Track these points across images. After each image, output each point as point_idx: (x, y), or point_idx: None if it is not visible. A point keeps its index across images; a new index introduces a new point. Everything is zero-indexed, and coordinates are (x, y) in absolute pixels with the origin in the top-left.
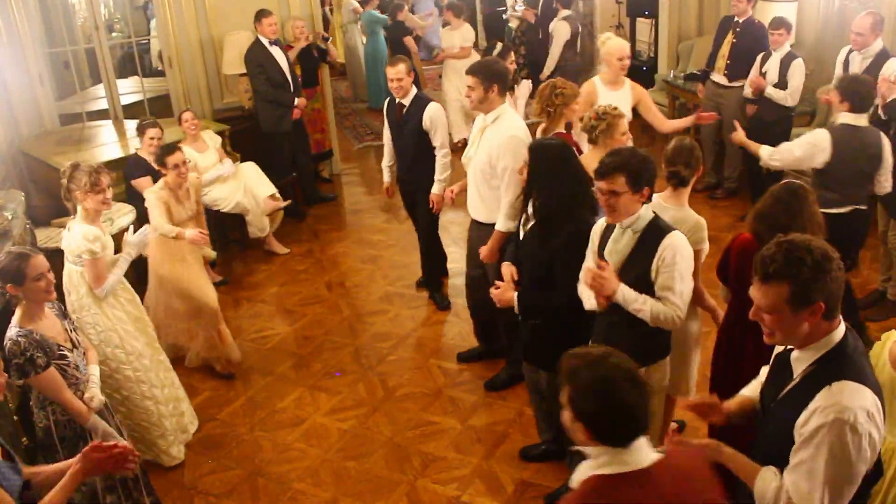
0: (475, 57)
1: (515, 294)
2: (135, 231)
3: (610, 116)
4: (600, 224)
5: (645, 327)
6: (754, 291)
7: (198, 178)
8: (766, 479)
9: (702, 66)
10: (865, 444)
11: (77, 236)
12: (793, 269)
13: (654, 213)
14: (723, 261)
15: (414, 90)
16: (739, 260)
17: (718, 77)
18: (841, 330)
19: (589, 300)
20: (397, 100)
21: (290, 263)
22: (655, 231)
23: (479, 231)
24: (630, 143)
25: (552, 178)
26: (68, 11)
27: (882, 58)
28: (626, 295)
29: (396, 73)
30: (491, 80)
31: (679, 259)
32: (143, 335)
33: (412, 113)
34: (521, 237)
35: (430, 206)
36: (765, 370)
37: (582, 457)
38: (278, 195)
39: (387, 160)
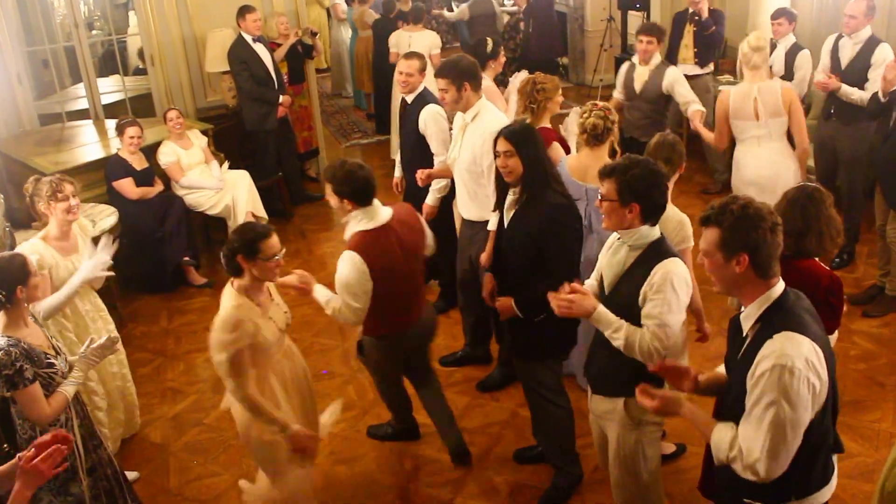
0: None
1: (512, 301)
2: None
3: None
4: (613, 237)
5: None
6: (700, 237)
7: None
8: (721, 431)
9: None
10: (805, 390)
11: (27, 247)
12: (722, 216)
13: (661, 235)
14: None
15: (421, 89)
16: None
17: (689, 68)
18: (780, 286)
19: None
20: (403, 96)
21: None
22: (655, 255)
23: (472, 230)
24: (574, 115)
25: (535, 158)
26: (47, 9)
27: (872, 43)
28: (600, 317)
29: (408, 66)
30: (461, 78)
31: (670, 289)
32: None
33: (411, 112)
34: (504, 227)
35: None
36: None
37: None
38: (260, 214)
39: (397, 155)
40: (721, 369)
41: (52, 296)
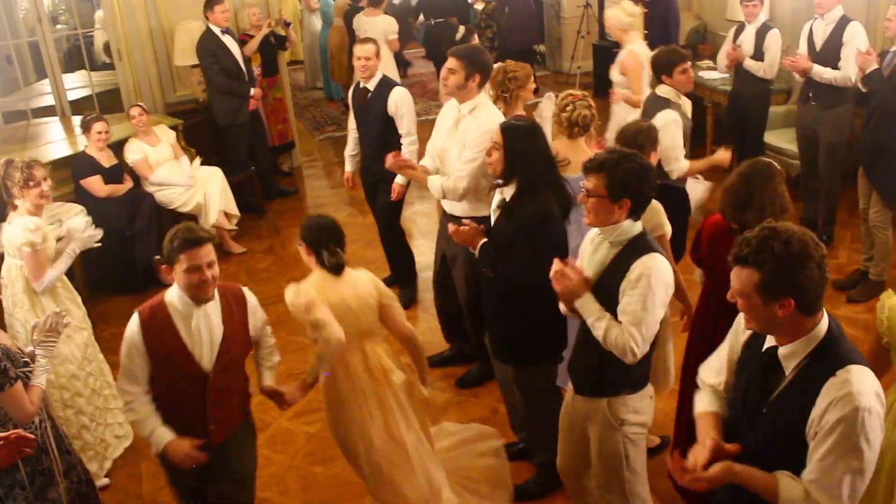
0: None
1: (481, 242)
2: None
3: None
4: (593, 231)
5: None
6: (731, 273)
7: None
8: (790, 488)
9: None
10: (878, 427)
11: (17, 228)
12: (762, 256)
13: (643, 229)
14: (695, 243)
15: (380, 74)
16: (710, 240)
17: None
18: (825, 321)
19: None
20: (361, 83)
21: (251, 262)
22: (635, 250)
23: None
24: (547, 100)
25: (525, 157)
26: (9, 3)
27: (843, 22)
28: (585, 305)
29: (365, 51)
30: (475, 67)
31: (647, 285)
32: (74, 342)
33: (376, 97)
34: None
35: (391, 194)
36: (716, 363)
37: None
38: (233, 211)
39: (350, 149)
40: (707, 408)
41: (53, 268)
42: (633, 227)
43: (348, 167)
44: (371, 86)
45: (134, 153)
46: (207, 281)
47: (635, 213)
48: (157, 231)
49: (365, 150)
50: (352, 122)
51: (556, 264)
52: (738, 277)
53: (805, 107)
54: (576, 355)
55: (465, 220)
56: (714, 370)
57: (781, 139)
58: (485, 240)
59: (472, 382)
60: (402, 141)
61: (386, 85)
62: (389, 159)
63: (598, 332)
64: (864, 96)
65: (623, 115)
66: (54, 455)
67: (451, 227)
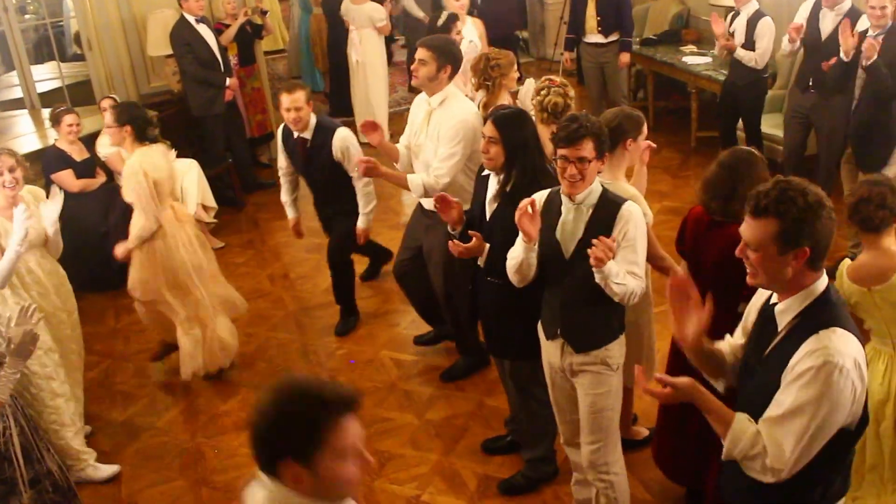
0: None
1: (487, 247)
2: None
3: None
4: (538, 199)
5: (602, 305)
6: (744, 227)
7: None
8: (741, 423)
9: (657, 30)
10: (849, 391)
11: None
12: (783, 206)
13: (601, 184)
14: (680, 233)
15: (314, 119)
16: (694, 233)
17: (595, 37)
18: (824, 280)
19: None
20: (296, 134)
21: (229, 256)
22: (608, 205)
23: (429, 220)
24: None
25: (524, 146)
26: None
27: (854, 15)
28: (612, 269)
29: (293, 101)
30: (446, 59)
31: (638, 231)
32: (51, 330)
33: (318, 146)
34: (486, 218)
35: (356, 239)
36: (738, 331)
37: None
38: (210, 204)
39: (286, 194)
40: (722, 345)
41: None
42: (597, 185)
43: (291, 214)
44: (308, 135)
45: (106, 146)
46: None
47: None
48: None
49: (316, 196)
50: (282, 162)
51: (600, 241)
52: (755, 228)
53: (803, 94)
54: (566, 315)
55: (470, 233)
56: (737, 334)
57: (766, 124)
58: (488, 246)
59: (457, 376)
60: (354, 184)
61: (325, 130)
62: (361, 167)
63: (621, 288)
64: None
65: None
66: (18, 464)
67: (451, 246)
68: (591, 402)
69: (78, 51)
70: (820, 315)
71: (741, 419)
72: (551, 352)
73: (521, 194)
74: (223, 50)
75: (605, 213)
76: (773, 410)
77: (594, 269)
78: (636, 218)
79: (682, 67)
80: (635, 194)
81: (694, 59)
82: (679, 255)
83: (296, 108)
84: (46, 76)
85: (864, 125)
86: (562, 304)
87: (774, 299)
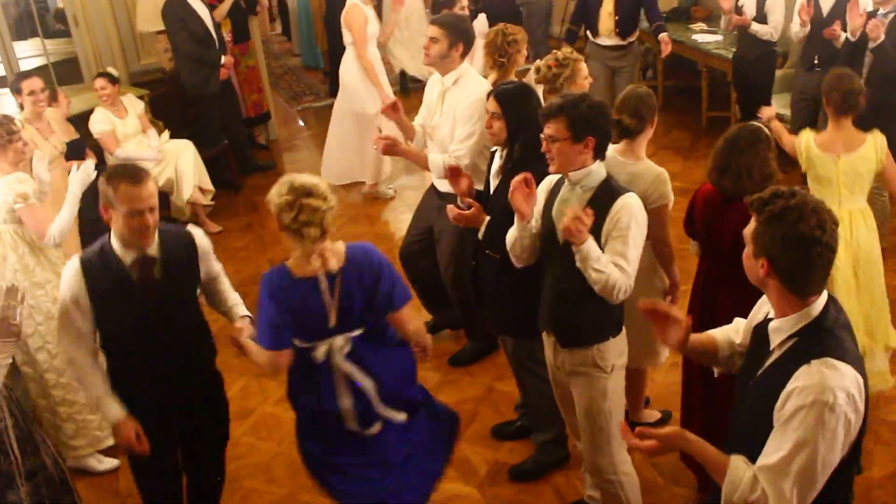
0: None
1: (487, 219)
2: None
3: (571, 61)
4: (548, 181)
5: (594, 302)
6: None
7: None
8: (738, 469)
9: (666, 7)
10: (842, 428)
11: (11, 180)
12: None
13: (607, 172)
14: (688, 214)
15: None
16: (705, 211)
17: (609, 39)
18: (821, 301)
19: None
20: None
21: (228, 240)
22: (608, 192)
23: (443, 201)
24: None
25: (527, 121)
26: None
27: None
28: (591, 251)
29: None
30: (458, 36)
31: (633, 225)
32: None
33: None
34: (490, 193)
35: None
36: (739, 320)
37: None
38: (207, 187)
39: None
40: (717, 333)
41: (61, 217)
42: (601, 170)
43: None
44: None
45: (101, 123)
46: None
47: (600, 152)
48: None
49: None
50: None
51: (572, 212)
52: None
53: (809, 73)
54: (560, 311)
55: (467, 201)
56: (736, 327)
57: (778, 104)
58: (488, 218)
59: (466, 360)
60: None
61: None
62: (381, 145)
63: (600, 276)
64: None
65: None
66: (15, 457)
67: (450, 210)
68: (586, 405)
69: (61, 27)
70: (814, 343)
71: (736, 465)
72: (548, 346)
73: (523, 169)
74: (218, 26)
75: (604, 200)
76: (769, 457)
77: (573, 248)
78: (634, 210)
79: (692, 45)
80: (660, 173)
81: (704, 37)
82: (688, 236)
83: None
84: (29, 53)
85: (872, 107)
86: (555, 296)
87: (771, 315)
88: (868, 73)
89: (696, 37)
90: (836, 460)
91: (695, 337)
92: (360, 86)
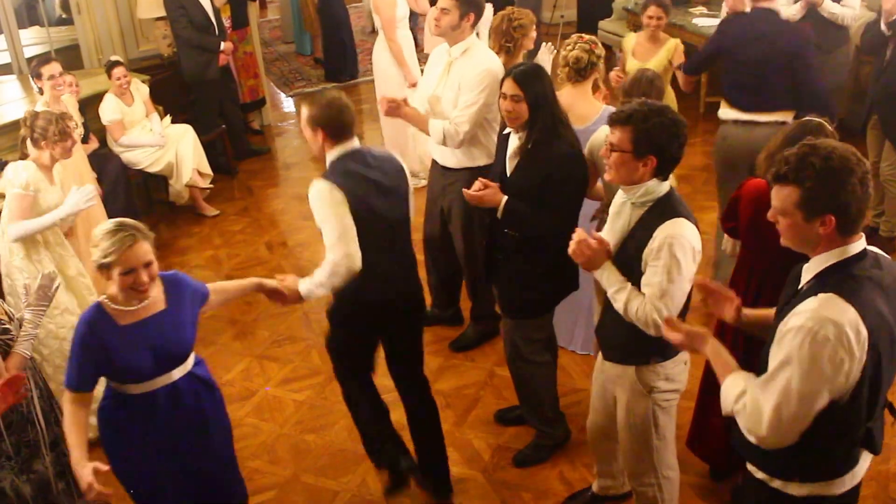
0: None
1: (504, 198)
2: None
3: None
4: (619, 195)
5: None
6: (772, 193)
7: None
8: (733, 380)
9: None
10: (826, 362)
11: (17, 167)
12: (801, 172)
13: (671, 189)
14: (730, 209)
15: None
16: (753, 207)
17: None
18: (858, 246)
19: None
20: None
21: (225, 224)
22: (661, 211)
23: (446, 178)
24: (545, 51)
25: (545, 100)
26: None
27: None
28: (605, 275)
29: None
30: (470, 7)
31: (671, 254)
32: (74, 295)
33: None
34: (507, 174)
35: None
36: None
37: None
38: (206, 171)
39: None
40: (771, 311)
41: (33, 219)
42: (659, 187)
43: None
44: None
45: (112, 112)
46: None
47: (662, 173)
48: (124, 194)
49: None
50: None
51: (577, 235)
52: (779, 196)
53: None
54: (603, 320)
55: (480, 180)
56: None
57: None
58: (506, 197)
59: (467, 345)
60: None
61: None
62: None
63: (618, 305)
64: (883, 41)
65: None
66: (41, 426)
67: (465, 191)
68: (623, 419)
69: (64, 15)
70: (830, 279)
71: (734, 376)
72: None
73: (542, 148)
74: (218, 13)
75: (653, 219)
76: (763, 374)
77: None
78: (678, 237)
79: (691, 30)
80: None
81: (704, 20)
82: (727, 234)
83: None
84: (32, 41)
85: (891, 92)
86: (607, 303)
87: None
88: (890, 56)
89: (696, 20)
90: (818, 396)
91: (750, 311)
92: (390, 70)
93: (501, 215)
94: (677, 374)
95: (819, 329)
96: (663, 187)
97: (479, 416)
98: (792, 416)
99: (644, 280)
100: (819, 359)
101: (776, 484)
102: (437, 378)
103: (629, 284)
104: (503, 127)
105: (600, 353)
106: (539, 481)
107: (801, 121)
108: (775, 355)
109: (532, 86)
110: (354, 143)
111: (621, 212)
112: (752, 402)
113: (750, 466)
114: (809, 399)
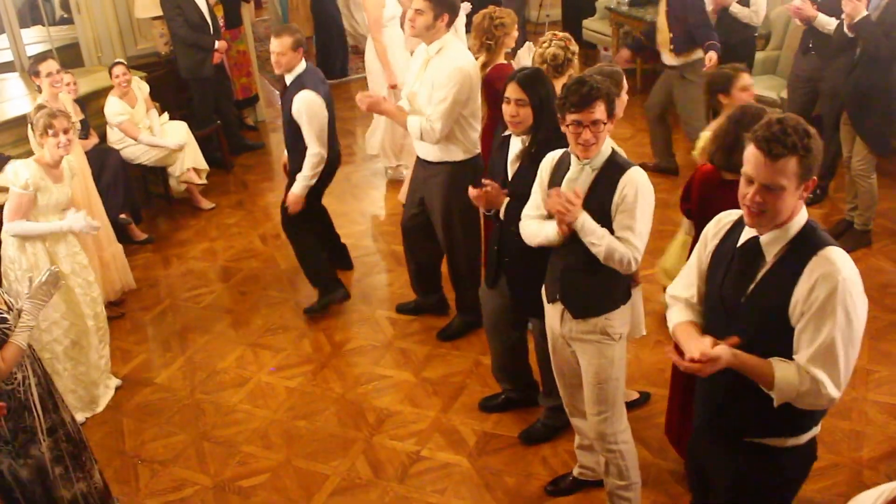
0: None
1: (506, 202)
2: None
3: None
4: (550, 158)
5: (603, 272)
6: (762, 172)
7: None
8: (784, 369)
9: None
10: (862, 299)
11: (18, 165)
12: (803, 142)
13: (612, 147)
14: (685, 193)
15: (299, 69)
16: (702, 191)
17: (666, 56)
18: (805, 211)
19: (537, 236)
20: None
21: (220, 217)
22: (614, 167)
23: (426, 171)
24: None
25: (549, 103)
26: None
27: None
28: (586, 225)
29: (276, 45)
30: (443, 7)
31: (640, 197)
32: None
33: (287, 96)
34: (509, 178)
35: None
36: (679, 279)
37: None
38: (201, 166)
39: None
40: (683, 318)
41: (30, 222)
42: (606, 147)
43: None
44: (288, 80)
45: (120, 113)
46: None
47: None
48: (123, 188)
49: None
50: None
51: (555, 195)
52: (780, 170)
53: (805, 58)
54: (566, 282)
55: (485, 182)
56: (684, 284)
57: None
58: (508, 199)
59: (453, 335)
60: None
61: (296, 86)
62: (364, 103)
63: (600, 249)
64: (849, 41)
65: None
66: (37, 413)
67: (472, 192)
68: (595, 372)
69: (65, 14)
70: (811, 240)
71: (780, 366)
72: (552, 315)
73: (544, 152)
74: (213, 12)
75: (610, 175)
76: (813, 346)
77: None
78: (640, 184)
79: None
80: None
81: None
82: (684, 215)
83: (277, 52)
84: (34, 40)
85: (861, 89)
86: (564, 268)
87: (748, 235)
88: (858, 55)
89: None
90: (864, 326)
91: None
92: (375, 68)
93: (504, 216)
94: (627, 316)
95: (851, 277)
96: (607, 146)
97: (465, 403)
98: (854, 359)
99: (621, 223)
100: (862, 299)
101: (774, 442)
102: (424, 366)
103: (606, 231)
104: (502, 129)
105: (550, 319)
106: (522, 466)
107: (743, 105)
108: (823, 320)
109: (536, 89)
110: None
111: (579, 176)
112: (826, 373)
113: (748, 440)
114: (860, 335)
